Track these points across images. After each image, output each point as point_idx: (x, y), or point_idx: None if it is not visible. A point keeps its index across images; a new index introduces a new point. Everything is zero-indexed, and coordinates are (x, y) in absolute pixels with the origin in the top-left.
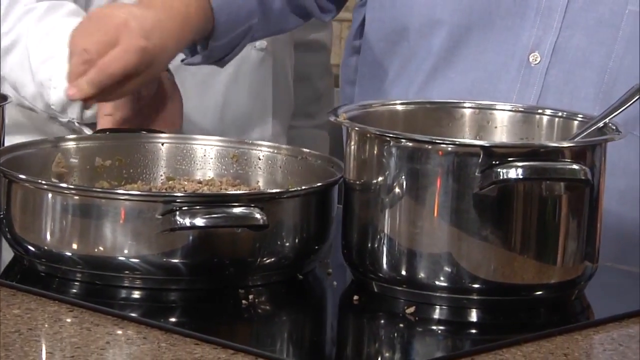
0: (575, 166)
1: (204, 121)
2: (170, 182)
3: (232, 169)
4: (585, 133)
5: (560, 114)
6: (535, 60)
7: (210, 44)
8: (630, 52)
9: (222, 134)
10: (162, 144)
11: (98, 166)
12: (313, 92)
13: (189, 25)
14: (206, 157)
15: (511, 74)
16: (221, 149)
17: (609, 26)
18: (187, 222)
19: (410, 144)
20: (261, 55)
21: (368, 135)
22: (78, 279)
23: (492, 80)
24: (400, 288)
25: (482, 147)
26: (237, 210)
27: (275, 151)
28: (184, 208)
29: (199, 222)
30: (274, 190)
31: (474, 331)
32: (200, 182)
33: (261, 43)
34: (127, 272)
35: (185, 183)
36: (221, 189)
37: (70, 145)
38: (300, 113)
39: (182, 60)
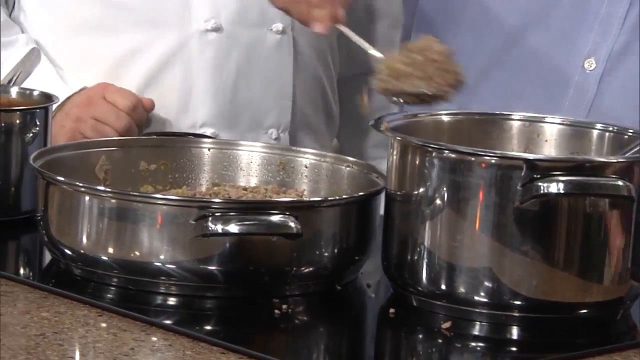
0: (619, 182)
1: (213, 103)
2: (215, 188)
3: (278, 176)
4: (636, 149)
5: (611, 128)
6: (590, 66)
7: None
8: None
9: (233, 118)
10: (209, 149)
11: (143, 170)
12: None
13: None
14: (252, 163)
15: (565, 79)
16: (267, 155)
17: None
18: (219, 228)
19: (453, 155)
20: (277, 38)
21: (410, 145)
22: (114, 283)
23: (545, 84)
24: (439, 302)
25: (524, 160)
26: (271, 218)
27: (321, 159)
28: (217, 214)
29: (232, 228)
30: (312, 199)
31: (511, 349)
32: (245, 189)
33: (277, 26)
34: (162, 277)
35: (230, 189)
36: (266, 196)
37: (114, 148)
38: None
39: None
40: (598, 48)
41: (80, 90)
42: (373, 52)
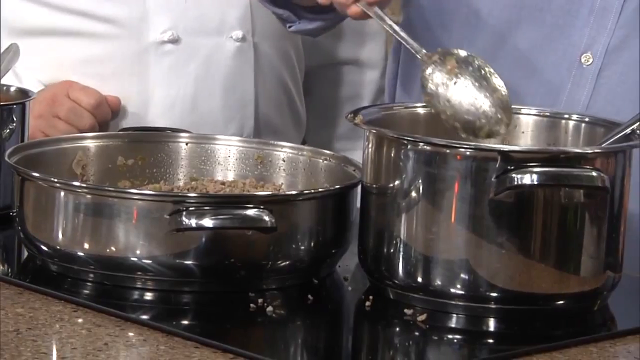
0: (593, 173)
1: (172, 112)
2: (193, 182)
3: (256, 170)
4: (612, 140)
5: (587, 119)
6: (587, 61)
7: None
8: None
9: (193, 129)
10: (186, 144)
11: (120, 165)
12: None
13: None
14: (229, 157)
15: (561, 74)
16: (244, 149)
17: None
18: (193, 222)
19: (427, 148)
20: (237, 45)
21: (385, 138)
22: (90, 279)
23: (541, 80)
24: (415, 295)
25: (498, 151)
26: (245, 212)
27: (298, 153)
28: (191, 209)
29: (206, 223)
30: (288, 192)
31: (487, 341)
32: (223, 184)
33: (237, 33)
34: (139, 273)
35: (208, 184)
36: (243, 190)
37: (91, 143)
38: (346, 136)
39: (289, 26)
40: (594, 42)
41: (45, 87)
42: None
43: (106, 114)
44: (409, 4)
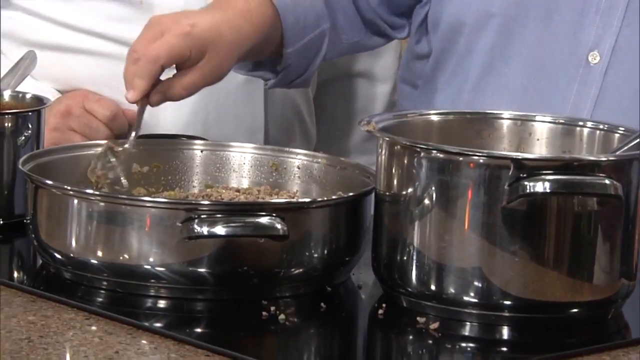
0: (606, 181)
1: (183, 126)
2: (208, 189)
3: (271, 177)
4: (626, 147)
5: (601, 126)
6: (595, 59)
7: (284, 52)
8: None
9: None
10: (201, 151)
11: (135, 172)
12: None
13: (249, 16)
14: (244, 165)
15: (569, 73)
16: (259, 157)
17: None
18: (205, 230)
19: (440, 155)
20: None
21: (398, 145)
22: (103, 287)
23: (549, 78)
24: (428, 303)
25: (512, 159)
26: (258, 220)
27: (313, 160)
28: (203, 216)
29: (218, 230)
30: (301, 200)
31: (501, 349)
32: (237, 191)
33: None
34: (152, 280)
35: (223, 191)
36: (258, 197)
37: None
38: (358, 149)
39: (265, 85)
40: (601, 41)
41: (60, 97)
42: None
43: (122, 126)
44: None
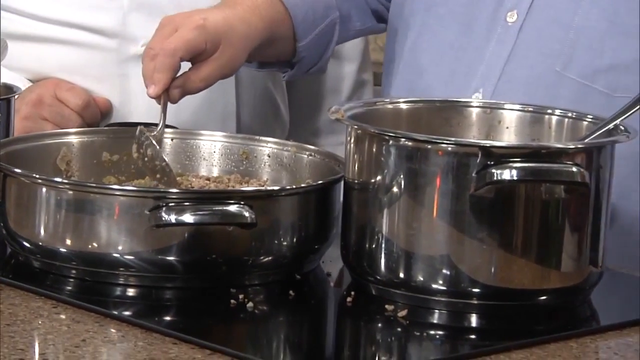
0: (573, 169)
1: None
2: (178, 178)
3: (241, 165)
4: (594, 135)
5: (570, 114)
6: (512, 18)
7: (297, 46)
8: (595, 6)
9: None
10: (172, 139)
11: (105, 161)
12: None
13: (257, 12)
14: (214, 153)
15: (489, 31)
16: (229, 145)
17: None
18: (172, 218)
19: (409, 143)
20: None
21: (367, 133)
22: (72, 275)
23: (472, 36)
24: (397, 291)
25: (479, 147)
26: (225, 207)
27: (283, 148)
28: (171, 204)
29: (186, 218)
30: (269, 188)
31: (469, 337)
32: (208, 179)
33: None
34: (121, 269)
35: (193, 180)
36: (228, 186)
37: (76, 139)
38: (328, 129)
39: (283, 77)
40: (520, 1)
41: (31, 85)
42: None
43: (94, 115)
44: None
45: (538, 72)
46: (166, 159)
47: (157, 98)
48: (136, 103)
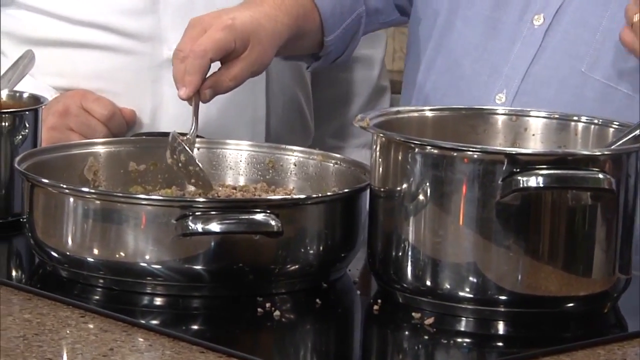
0: (599, 175)
1: (184, 129)
2: None
3: (267, 174)
4: (621, 141)
5: (596, 121)
6: (538, 21)
7: (325, 40)
8: (623, 9)
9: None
10: (198, 149)
11: (132, 171)
12: (360, 110)
13: (284, 7)
14: (241, 162)
15: (515, 34)
16: (255, 154)
17: None
18: (199, 227)
19: (435, 151)
20: None
21: (392, 141)
22: (100, 284)
23: (497, 37)
24: (424, 299)
25: (505, 154)
26: (252, 216)
27: (309, 157)
28: (197, 213)
29: (212, 227)
30: (295, 197)
31: (495, 344)
32: (234, 188)
33: None
34: (148, 278)
35: (220, 189)
36: (254, 195)
37: (103, 149)
38: (347, 133)
39: (307, 68)
40: (547, 5)
41: (58, 96)
42: None
43: (120, 126)
44: None
45: (563, 74)
46: (200, 163)
47: (189, 100)
48: (167, 107)
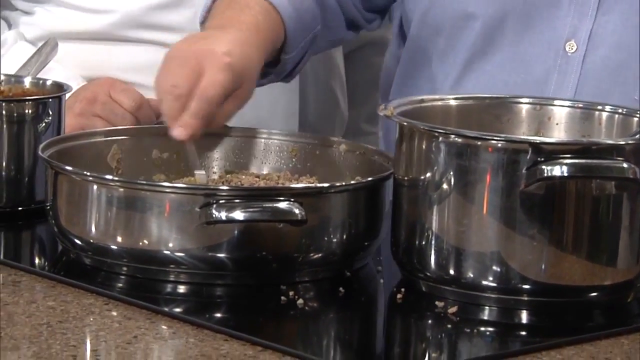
0: (624, 165)
1: None
2: (228, 175)
3: (291, 163)
4: None
5: (620, 110)
6: (572, 48)
7: (282, 57)
8: None
9: None
10: (221, 137)
11: (155, 159)
12: None
13: (264, 33)
14: (265, 150)
15: (548, 64)
16: (279, 142)
17: None
18: (223, 215)
19: (459, 140)
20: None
21: (416, 130)
22: (123, 272)
23: (528, 71)
24: (447, 287)
25: (530, 143)
26: (276, 205)
27: (333, 146)
28: (221, 201)
29: (236, 215)
30: (319, 185)
31: (519, 333)
32: (257, 177)
33: None
34: (172, 266)
35: (243, 177)
36: (278, 183)
37: (126, 137)
38: (374, 118)
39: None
40: (577, 30)
41: (86, 84)
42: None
43: (148, 116)
44: (400, 17)
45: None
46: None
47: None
48: None
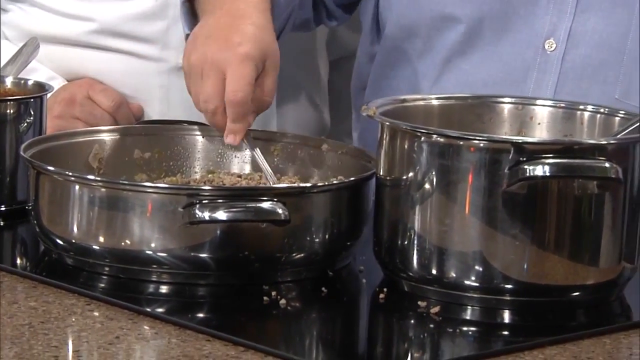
0: (606, 164)
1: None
2: (210, 175)
3: (272, 162)
4: (627, 130)
5: (602, 110)
6: (551, 47)
7: None
8: None
9: None
10: (203, 137)
11: (137, 158)
12: None
13: (260, 4)
14: (246, 150)
15: (527, 63)
16: (262, 142)
17: (624, 6)
18: (206, 215)
19: (441, 140)
20: None
21: (399, 130)
22: (105, 272)
23: (507, 70)
24: (430, 287)
25: (511, 143)
26: (259, 204)
27: (315, 145)
28: (204, 201)
29: (219, 215)
30: (302, 185)
31: (501, 333)
32: (239, 176)
33: None
34: (154, 266)
35: (225, 177)
36: (260, 183)
37: (108, 136)
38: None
39: None
40: (556, 29)
41: (66, 84)
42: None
43: (127, 117)
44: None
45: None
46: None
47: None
48: (175, 112)
